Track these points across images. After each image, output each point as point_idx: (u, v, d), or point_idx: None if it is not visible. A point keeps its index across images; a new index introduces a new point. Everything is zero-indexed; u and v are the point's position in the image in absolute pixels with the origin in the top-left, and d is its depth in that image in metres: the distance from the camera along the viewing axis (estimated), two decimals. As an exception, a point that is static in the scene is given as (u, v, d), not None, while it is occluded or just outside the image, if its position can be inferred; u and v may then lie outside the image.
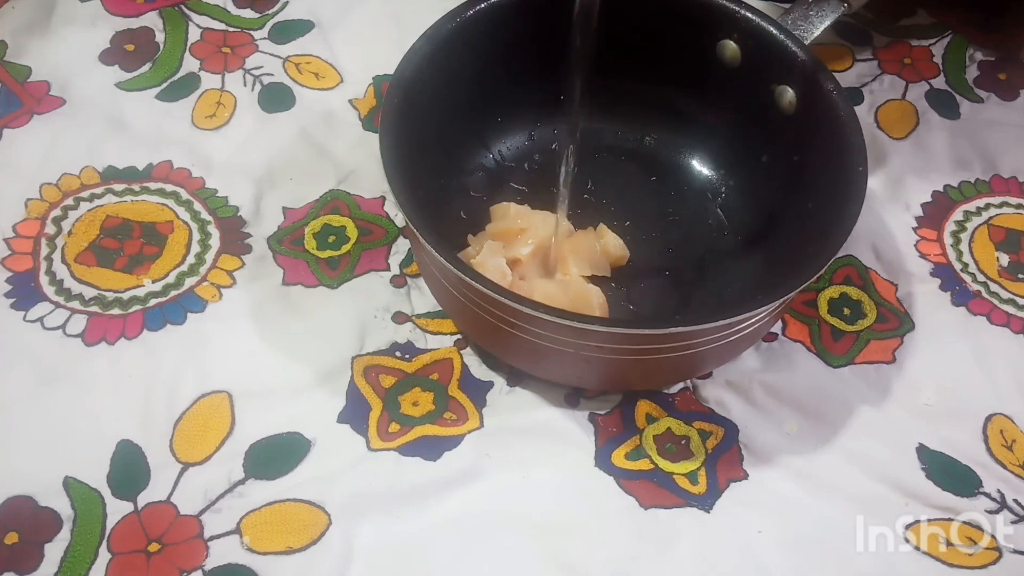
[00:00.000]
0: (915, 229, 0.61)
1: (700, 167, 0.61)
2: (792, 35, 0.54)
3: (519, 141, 0.62)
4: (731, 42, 0.55)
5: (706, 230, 0.59)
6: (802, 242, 0.50)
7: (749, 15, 0.54)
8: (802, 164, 0.54)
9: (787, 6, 0.56)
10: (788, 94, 0.54)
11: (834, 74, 0.53)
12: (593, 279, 0.55)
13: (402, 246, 0.58)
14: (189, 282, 0.56)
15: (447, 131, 0.56)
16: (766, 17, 0.54)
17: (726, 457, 0.51)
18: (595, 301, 0.53)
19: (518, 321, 0.46)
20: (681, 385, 0.54)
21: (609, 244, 0.56)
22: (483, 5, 0.54)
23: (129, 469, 0.49)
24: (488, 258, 0.53)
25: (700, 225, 0.59)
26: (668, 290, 0.56)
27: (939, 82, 0.69)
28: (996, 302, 0.58)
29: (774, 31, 0.54)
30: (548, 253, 0.55)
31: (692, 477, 0.50)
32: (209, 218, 0.59)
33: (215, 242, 0.58)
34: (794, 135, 0.54)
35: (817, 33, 0.55)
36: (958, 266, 0.59)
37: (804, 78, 0.53)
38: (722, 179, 0.60)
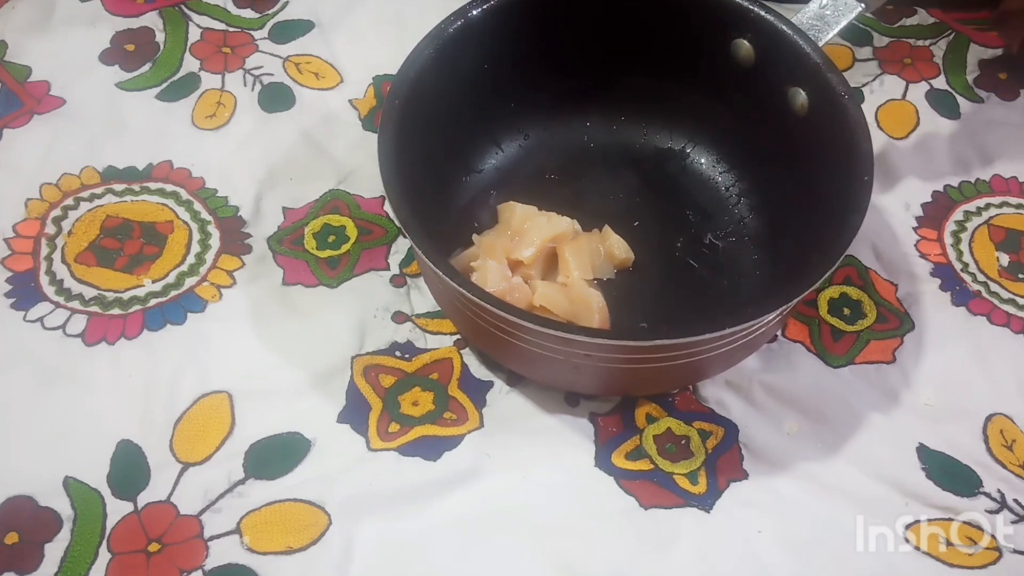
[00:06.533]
0: (915, 229, 0.61)
1: (711, 169, 0.61)
2: (806, 36, 0.52)
3: (525, 139, 0.61)
4: (745, 41, 0.54)
5: (714, 232, 0.58)
6: (808, 248, 0.50)
7: (763, 14, 0.53)
8: (810, 169, 0.53)
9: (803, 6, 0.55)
10: (801, 96, 0.53)
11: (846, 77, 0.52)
12: (597, 281, 0.55)
13: (402, 245, 0.58)
14: (189, 282, 0.56)
15: (453, 130, 0.56)
16: (780, 17, 0.53)
17: (726, 457, 0.51)
18: (595, 305, 0.53)
19: (509, 328, 0.46)
20: (681, 385, 0.54)
21: (613, 246, 0.56)
22: (489, 4, 0.54)
23: (129, 469, 0.49)
24: (488, 259, 0.53)
25: (708, 226, 0.58)
26: (673, 292, 0.56)
27: (939, 82, 0.69)
28: (996, 302, 0.58)
29: (788, 31, 0.53)
30: (552, 255, 0.55)
31: (692, 477, 0.50)
32: (209, 218, 0.59)
33: (215, 242, 0.58)
34: (804, 139, 0.53)
35: (833, 33, 0.53)
36: (958, 266, 0.59)
37: (816, 81, 0.52)
38: (733, 181, 0.60)
